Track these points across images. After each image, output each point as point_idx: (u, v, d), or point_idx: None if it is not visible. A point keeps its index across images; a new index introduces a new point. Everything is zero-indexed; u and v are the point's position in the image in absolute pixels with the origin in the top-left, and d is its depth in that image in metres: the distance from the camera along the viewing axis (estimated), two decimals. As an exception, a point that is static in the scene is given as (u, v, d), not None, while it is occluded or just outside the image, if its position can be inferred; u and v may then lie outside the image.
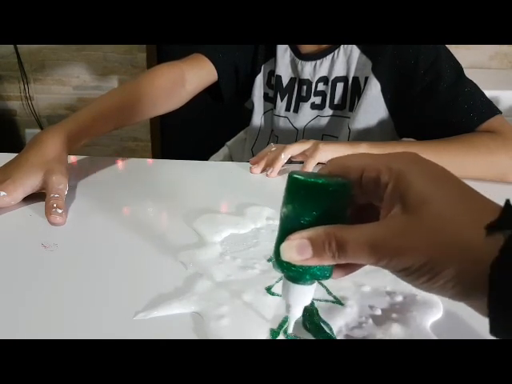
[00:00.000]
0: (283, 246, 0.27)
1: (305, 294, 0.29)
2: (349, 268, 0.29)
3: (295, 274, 0.28)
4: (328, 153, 0.62)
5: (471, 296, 0.23)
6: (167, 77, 0.74)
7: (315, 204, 0.26)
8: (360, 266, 0.29)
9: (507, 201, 0.23)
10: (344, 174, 0.28)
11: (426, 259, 0.23)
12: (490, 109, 0.68)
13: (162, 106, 0.74)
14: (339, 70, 0.77)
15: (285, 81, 0.82)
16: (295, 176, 0.27)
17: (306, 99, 0.80)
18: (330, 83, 0.78)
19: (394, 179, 0.25)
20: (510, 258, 0.21)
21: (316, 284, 0.29)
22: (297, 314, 0.30)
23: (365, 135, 0.76)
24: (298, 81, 0.81)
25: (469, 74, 0.71)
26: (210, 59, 0.79)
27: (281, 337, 0.33)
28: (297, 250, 0.26)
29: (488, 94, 0.70)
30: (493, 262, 0.21)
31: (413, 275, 0.24)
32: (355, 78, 0.76)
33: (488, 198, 0.25)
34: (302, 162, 0.64)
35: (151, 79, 0.72)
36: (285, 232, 0.27)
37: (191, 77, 0.77)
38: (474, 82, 0.70)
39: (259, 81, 0.85)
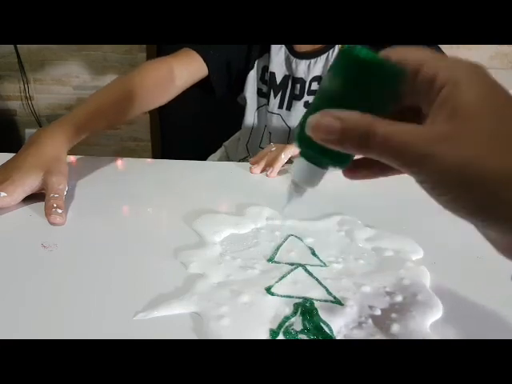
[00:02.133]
0: (311, 120, 0.24)
1: (315, 176, 0.27)
2: (366, 172, 0.28)
3: (314, 152, 0.26)
4: None
5: (500, 226, 0.22)
6: (156, 73, 0.74)
7: (362, 82, 0.24)
8: (381, 173, 0.27)
9: None
10: (401, 63, 0.25)
11: (456, 175, 0.22)
12: None
13: (151, 101, 0.74)
14: None
15: (278, 78, 0.82)
16: (349, 47, 0.24)
17: (300, 98, 0.81)
18: None
19: (451, 85, 0.23)
20: None
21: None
22: (299, 194, 0.29)
23: None
24: (291, 79, 0.81)
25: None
26: (200, 54, 0.79)
27: (280, 337, 0.33)
28: (325, 128, 0.24)
29: (488, 94, 0.70)
30: None
31: (439, 190, 0.23)
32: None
33: None
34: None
35: (140, 76, 0.72)
36: (319, 104, 0.25)
37: (180, 72, 0.77)
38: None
39: (252, 76, 0.85)
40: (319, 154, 0.26)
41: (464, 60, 0.24)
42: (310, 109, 0.26)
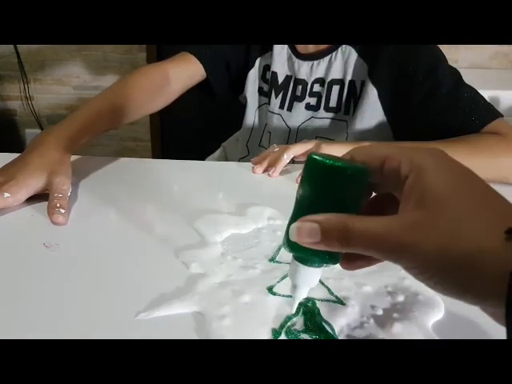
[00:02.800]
0: (293, 228, 0.26)
1: (312, 276, 0.29)
2: (361, 261, 0.28)
3: (304, 255, 0.28)
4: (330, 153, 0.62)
5: (485, 302, 0.23)
6: (150, 78, 0.75)
7: (331, 187, 0.26)
8: (375, 260, 0.28)
9: None
10: (366, 161, 0.27)
11: (436, 261, 0.22)
12: (491, 112, 0.67)
13: (147, 106, 0.75)
14: (336, 73, 0.76)
15: (280, 78, 0.82)
16: (314, 156, 0.26)
17: (301, 99, 0.80)
18: (326, 85, 0.78)
19: (415, 173, 0.24)
20: None
21: (322, 270, 0.29)
22: (302, 295, 0.30)
23: (361, 140, 0.76)
24: (293, 79, 0.81)
25: (469, 73, 0.71)
26: (196, 56, 0.80)
27: (282, 337, 0.33)
28: (306, 233, 0.26)
29: (488, 94, 0.70)
30: None
31: (423, 275, 0.23)
32: (351, 82, 0.75)
33: None
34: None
35: (135, 81, 0.73)
36: (298, 212, 0.27)
37: (177, 75, 0.77)
38: (474, 82, 0.70)
39: (253, 75, 0.85)
40: (310, 256, 0.27)
41: (423, 148, 0.26)
42: (291, 217, 0.28)
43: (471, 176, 0.25)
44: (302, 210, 0.27)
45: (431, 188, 0.23)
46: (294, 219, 0.27)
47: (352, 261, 0.28)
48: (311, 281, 0.29)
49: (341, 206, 0.26)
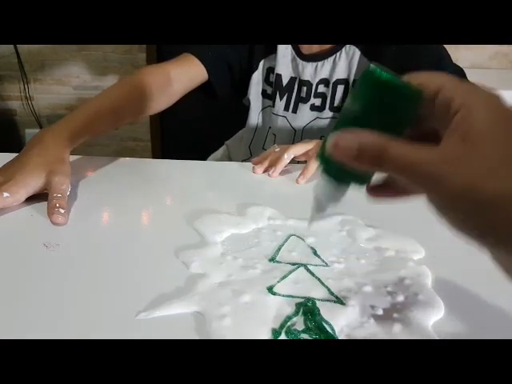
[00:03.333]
0: (331, 139, 0.26)
1: (337, 193, 0.29)
2: (386, 192, 0.28)
3: (336, 171, 0.27)
4: None
5: (507, 248, 0.23)
6: (152, 78, 0.75)
7: (381, 103, 0.25)
8: (400, 194, 0.28)
9: None
10: (422, 86, 0.26)
11: (463, 197, 0.22)
12: None
13: (149, 107, 0.74)
14: (341, 73, 0.76)
15: (285, 80, 0.82)
16: (372, 68, 0.25)
17: (306, 100, 0.80)
18: (330, 85, 0.78)
19: (465, 108, 0.24)
20: None
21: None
22: (323, 209, 0.30)
23: None
24: (298, 81, 0.81)
25: (469, 73, 0.71)
26: (198, 57, 0.79)
27: (282, 337, 0.33)
28: (343, 147, 0.25)
29: (488, 93, 0.70)
30: None
31: (447, 210, 0.23)
32: (356, 81, 0.76)
33: None
34: (305, 162, 0.64)
35: (137, 82, 0.73)
36: (340, 124, 0.26)
37: (178, 76, 0.77)
38: (474, 82, 0.70)
39: (256, 78, 0.85)
40: (340, 172, 0.27)
41: (481, 87, 0.25)
42: (333, 128, 0.27)
43: None
44: (345, 122, 0.26)
45: (477, 126, 0.23)
46: (335, 130, 0.26)
47: (377, 189, 0.28)
48: (335, 198, 0.29)
49: (386, 126, 0.25)
